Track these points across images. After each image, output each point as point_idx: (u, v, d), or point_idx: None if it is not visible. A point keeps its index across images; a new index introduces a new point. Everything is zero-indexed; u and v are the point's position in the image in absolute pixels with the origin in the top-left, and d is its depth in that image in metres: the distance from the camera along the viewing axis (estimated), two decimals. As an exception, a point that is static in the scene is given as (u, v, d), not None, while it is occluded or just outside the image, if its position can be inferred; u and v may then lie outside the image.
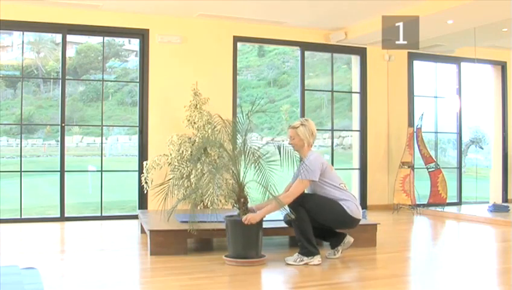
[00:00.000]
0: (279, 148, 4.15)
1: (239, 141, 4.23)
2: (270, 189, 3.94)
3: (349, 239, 4.30)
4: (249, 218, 3.96)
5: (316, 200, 4.11)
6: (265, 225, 4.77)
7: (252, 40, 7.71)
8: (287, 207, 4.06)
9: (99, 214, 6.84)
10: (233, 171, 4.18)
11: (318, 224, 4.14)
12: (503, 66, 8.91)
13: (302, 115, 7.54)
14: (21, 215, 6.37)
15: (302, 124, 4.24)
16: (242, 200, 4.11)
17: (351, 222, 4.17)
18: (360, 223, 5.00)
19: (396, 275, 3.85)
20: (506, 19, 6.12)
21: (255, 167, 4.02)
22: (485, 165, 9.32)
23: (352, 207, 4.14)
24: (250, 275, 3.81)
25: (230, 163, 4.20)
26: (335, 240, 4.31)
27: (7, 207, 6.78)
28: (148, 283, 3.73)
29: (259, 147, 4.13)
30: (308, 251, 4.04)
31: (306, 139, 4.21)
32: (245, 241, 4.04)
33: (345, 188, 4.24)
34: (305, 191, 4.18)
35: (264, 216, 4.05)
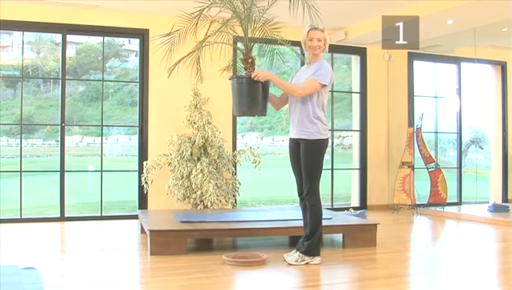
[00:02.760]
0: None
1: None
2: (275, 55, 3.92)
3: (288, 258, 4.17)
4: (258, 73, 3.96)
5: (309, 170, 4.10)
6: (265, 224, 4.78)
7: (251, 40, 7.68)
8: (308, 204, 4.07)
9: (99, 214, 6.84)
10: (242, 28, 4.11)
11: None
12: (503, 66, 8.91)
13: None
14: (21, 215, 6.37)
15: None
16: (249, 60, 4.08)
17: (326, 145, 4.15)
18: (360, 223, 5.03)
19: (396, 275, 3.85)
20: (506, 19, 6.12)
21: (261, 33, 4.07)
22: (485, 165, 9.31)
23: (321, 129, 4.09)
24: (250, 275, 3.81)
25: (238, 22, 4.14)
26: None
27: (7, 207, 6.78)
28: (148, 283, 3.73)
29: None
30: (313, 251, 4.04)
31: (327, 44, 4.21)
32: (252, 99, 3.98)
33: (324, 109, 4.17)
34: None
35: (274, 80, 4.06)
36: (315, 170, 4.09)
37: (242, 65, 4.14)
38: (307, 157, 4.08)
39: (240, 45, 4.32)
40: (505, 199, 8.59)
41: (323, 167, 4.21)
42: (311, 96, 4.07)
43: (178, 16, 4.25)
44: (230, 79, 4.14)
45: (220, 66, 5.96)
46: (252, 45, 4.12)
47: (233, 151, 6.93)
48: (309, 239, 4.06)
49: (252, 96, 3.98)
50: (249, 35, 4.15)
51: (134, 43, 11.70)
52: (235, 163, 6.70)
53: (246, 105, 4.00)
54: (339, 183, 8.25)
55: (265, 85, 4.02)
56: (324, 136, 4.10)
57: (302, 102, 4.10)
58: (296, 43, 8.16)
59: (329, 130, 8.06)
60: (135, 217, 6.27)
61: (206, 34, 4.26)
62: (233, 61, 4.33)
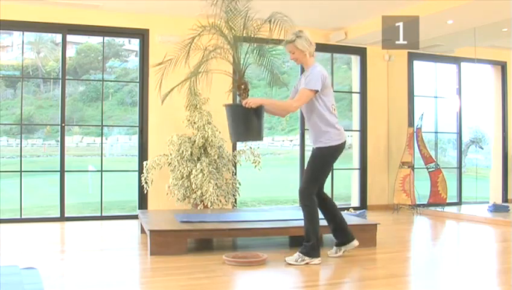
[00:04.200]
0: None
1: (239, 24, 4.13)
2: (275, 75, 3.93)
3: (355, 243, 4.30)
4: (249, 101, 3.93)
5: (311, 167, 4.12)
6: (265, 224, 4.78)
7: (251, 40, 7.68)
8: (301, 203, 4.09)
9: (99, 214, 6.84)
10: (233, 57, 4.11)
11: (340, 215, 4.25)
12: (503, 66, 8.91)
13: (302, 114, 7.52)
14: (21, 215, 6.37)
15: (297, 36, 4.12)
16: (242, 86, 4.07)
17: (340, 149, 4.15)
18: (360, 223, 5.03)
19: (396, 275, 3.85)
20: (506, 19, 6.12)
21: (258, 52, 4.01)
22: (485, 165, 9.31)
23: (334, 136, 4.08)
24: (250, 275, 3.81)
25: (230, 49, 4.13)
26: (344, 237, 4.30)
27: (7, 207, 6.78)
28: (148, 283, 3.73)
29: (258, 27, 4.11)
30: (313, 252, 4.04)
31: (307, 49, 4.11)
32: (246, 126, 3.99)
33: (334, 111, 4.16)
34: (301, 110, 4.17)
35: (266, 104, 4.03)
36: (317, 172, 4.10)
37: (237, 93, 4.12)
38: (315, 159, 4.11)
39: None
40: (505, 199, 8.59)
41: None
42: (312, 106, 4.07)
43: (174, 45, 4.26)
44: (224, 106, 4.13)
45: (220, 65, 5.79)
46: (244, 70, 4.07)
47: (233, 151, 6.93)
48: (308, 241, 4.06)
49: (246, 124, 3.99)
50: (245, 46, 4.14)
51: (134, 43, 11.70)
52: (235, 163, 6.70)
53: (240, 133, 4.02)
54: (339, 183, 8.25)
55: (258, 110, 4.01)
56: (337, 141, 4.09)
57: (308, 112, 4.12)
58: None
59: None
60: (135, 217, 6.27)
61: (199, 60, 4.27)
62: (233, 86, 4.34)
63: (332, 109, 4.14)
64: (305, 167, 4.17)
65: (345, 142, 4.18)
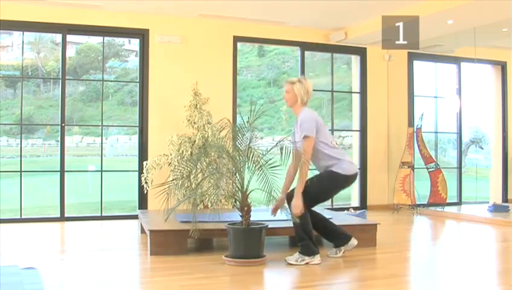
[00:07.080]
0: (281, 149, 4.15)
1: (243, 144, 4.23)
2: (274, 193, 3.97)
3: (353, 242, 4.30)
4: (297, 210, 3.96)
5: (313, 185, 4.10)
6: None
7: (252, 40, 7.71)
8: (289, 213, 4.06)
9: (99, 214, 6.83)
10: (237, 179, 4.18)
11: (323, 222, 4.19)
12: (503, 66, 8.91)
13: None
14: (21, 215, 6.37)
15: (299, 81, 4.25)
16: (245, 208, 4.10)
17: (348, 181, 4.19)
18: (360, 223, 5.02)
19: (396, 275, 3.85)
20: (506, 19, 6.12)
21: (258, 175, 4.04)
22: (485, 165, 9.32)
23: (345, 165, 4.14)
24: (250, 275, 3.81)
25: (234, 169, 4.24)
26: (339, 240, 4.32)
27: (7, 207, 6.77)
28: (148, 283, 3.73)
29: (262, 155, 4.14)
30: (310, 250, 4.04)
31: (300, 96, 4.22)
32: (247, 247, 4.05)
33: (336, 145, 4.22)
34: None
35: (301, 190, 4.02)
36: (319, 193, 4.11)
37: (240, 214, 4.15)
38: (322, 179, 4.13)
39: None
40: (505, 199, 8.60)
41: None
42: (313, 150, 4.11)
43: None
44: (226, 226, 4.18)
45: (220, 64, 5.76)
46: (248, 193, 4.12)
47: (233, 151, 6.91)
48: (301, 240, 4.08)
49: (248, 245, 4.05)
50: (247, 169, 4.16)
51: (134, 43, 11.70)
52: (235, 163, 6.68)
53: (242, 251, 4.04)
54: (339, 183, 8.22)
55: (261, 230, 4.06)
56: (348, 172, 4.12)
57: (313, 157, 4.14)
58: (295, 43, 8.16)
59: (330, 130, 8.12)
60: (135, 217, 6.27)
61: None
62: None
63: (333, 144, 4.20)
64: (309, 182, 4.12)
65: (356, 173, 4.21)
